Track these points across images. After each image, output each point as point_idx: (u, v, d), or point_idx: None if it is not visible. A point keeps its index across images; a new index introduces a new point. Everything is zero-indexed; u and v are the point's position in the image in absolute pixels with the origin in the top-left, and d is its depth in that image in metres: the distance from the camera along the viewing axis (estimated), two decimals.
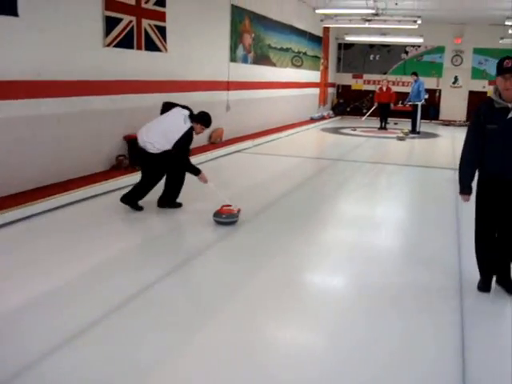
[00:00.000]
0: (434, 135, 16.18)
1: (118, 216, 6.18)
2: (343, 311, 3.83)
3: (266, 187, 7.67)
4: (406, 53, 21.09)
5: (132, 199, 6.17)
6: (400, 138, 14.29)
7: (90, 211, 6.26)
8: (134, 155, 8.03)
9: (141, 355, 3.12)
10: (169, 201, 6.35)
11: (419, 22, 15.66)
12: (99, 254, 4.75)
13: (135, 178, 7.48)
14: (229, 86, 11.62)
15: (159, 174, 6.27)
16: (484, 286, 4.15)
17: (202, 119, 6.19)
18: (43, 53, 6.57)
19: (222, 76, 11.37)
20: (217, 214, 5.74)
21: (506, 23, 14.85)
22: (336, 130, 16.17)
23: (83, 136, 7.35)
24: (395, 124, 17.92)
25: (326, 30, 19.32)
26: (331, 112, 20.71)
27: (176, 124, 6.05)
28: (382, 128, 16.83)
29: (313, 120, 17.95)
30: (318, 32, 18.51)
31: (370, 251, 5.25)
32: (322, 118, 18.96)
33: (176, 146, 5.97)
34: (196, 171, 6.14)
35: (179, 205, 6.40)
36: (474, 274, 4.20)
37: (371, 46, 21.21)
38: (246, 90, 12.66)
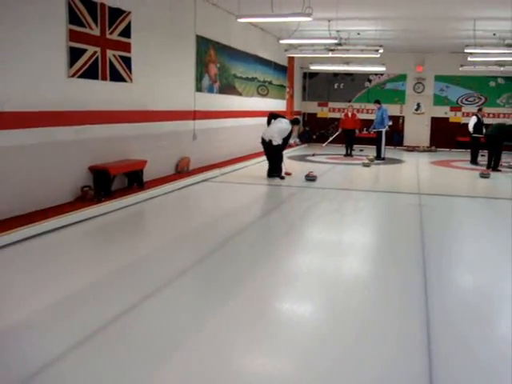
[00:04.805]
0: (398, 161, 16.44)
1: (82, 248, 6.16)
2: (313, 338, 3.80)
3: (234, 215, 7.66)
4: (370, 81, 21.51)
5: (273, 174, 11.28)
6: (366, 165, 14.45)
7: (55, 243, 6.14)
8: (99, 186, 8.00)
9: None
10: (276, 173, 11.23)
11: (381, 50, 16.10)
12: (66, 285, 4.66)
13: (101, 209, 7.46)
14: (195, 115, 11.64)
15: (278, 156, 11.28)
16: None
17: (295, 122, 12.01)
18: (7, 84, 6.50)
19: (188, 105, 11.40)
20: (307, 176, 10.95)
21: (466, 51, 15.28)
22: (303, 158, 16.31)
23: (47, 167, 7.25)
24: (361, 150, 18.18)
25: (291, 59, 19.62)
26: (298, 140, 20.91)
27: (284, 127, 11.23)
28: (348, 155, 17.05)
29: None
30: (283, 61, 18.78)
31: (338, 278, 5.27)
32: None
33: (285, 139, 11.29)
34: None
35: (283, 177, 11.19)
36: (441, 300, 4.21)
37: (335, 74, 21.60)
38: (213, 119, 12.70)
